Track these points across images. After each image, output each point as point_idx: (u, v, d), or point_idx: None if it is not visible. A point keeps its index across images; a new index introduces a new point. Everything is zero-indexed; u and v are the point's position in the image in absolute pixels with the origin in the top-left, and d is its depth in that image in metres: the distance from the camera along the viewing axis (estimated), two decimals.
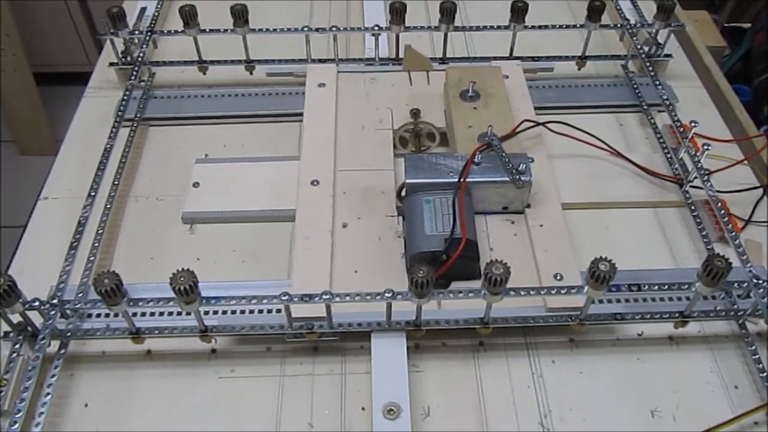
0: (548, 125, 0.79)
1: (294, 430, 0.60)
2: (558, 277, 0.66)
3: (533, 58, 0.91)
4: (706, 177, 0.74)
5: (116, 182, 0.77)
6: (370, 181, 0.76)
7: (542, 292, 0.61)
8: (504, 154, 0.72)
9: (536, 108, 0.83)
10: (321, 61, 0.90)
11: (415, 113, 0.82)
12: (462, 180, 0.69)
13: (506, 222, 0.73)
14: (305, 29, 0.87)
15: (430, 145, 0.82)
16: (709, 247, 0.72)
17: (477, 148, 0.72)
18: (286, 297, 0.59)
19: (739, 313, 0.65)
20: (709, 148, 0.74)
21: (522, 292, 0.60)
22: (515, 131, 0.77)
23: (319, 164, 0.77)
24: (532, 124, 0.77)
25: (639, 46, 0.91)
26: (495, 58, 0.91)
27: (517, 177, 0.70)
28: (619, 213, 0.77)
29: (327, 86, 0.86)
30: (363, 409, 0.61)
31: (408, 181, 0.70)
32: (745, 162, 0.81)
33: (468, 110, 0.79)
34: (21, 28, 1.84)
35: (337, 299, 0.60)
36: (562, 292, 0.61)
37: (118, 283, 0.56)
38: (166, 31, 0.92)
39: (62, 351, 0.62)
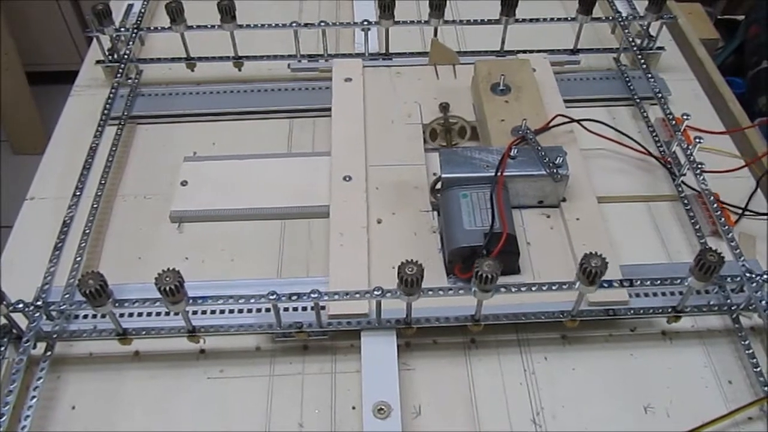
0: (582, 123, 0.78)
1: (284, 430, 0.59)
2: None
3: (524, 52, 0.90)
4: (698, 170, 0.73)
5: (103, 181, 0.76)
6: (402, 176, 0.75)
7: (533, 289, 0.60)
8: (540, 148, 0.71)
9: None
10: (310, 56, 0.89)
11: (444, 107, 0.81)
12: (500, 174, 0.69)
13: (542, 216, 0.72)
14: (294, 25, 0.86)
15: (460, 140, 0.82)
16: (702, 241, 0.71)
17: (512, 142, 0.72)
18: (274, 296, 0.58)
19: (732, 308, 0.65)
20: (702, 141, 0.74)
21: (513, 289, 0.60)
22: (548, 125, 0.76)
23: (351, 159, 0.76)
24: (567, 119, 0.77)
25: (631, 39, 0.90)
26: (486, 53, 0.90)
27: (555, 170, 0.69)
28: (611, 207, 0.76)
29: (354, 81, 0.85)
30: (353, 408, 0.60)
31: (444, 175, 0.69)
32: (739, 156, 0.81)
33: (500, 104, 0.78)
34: (13, 27, 1.83)
35: (326, 298, 0.59)
36: (554, 288, 0.60)
37: (102, 283, 0.55)
38: (152, 28, 0.92)
39: (48, 353, 0.62)
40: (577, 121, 0.78)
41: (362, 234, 0.69)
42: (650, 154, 0.79)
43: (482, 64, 0.83)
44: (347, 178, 0.74)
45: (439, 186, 0.71)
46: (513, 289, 0.60)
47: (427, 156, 0.77)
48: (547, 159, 0.70)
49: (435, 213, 0.72)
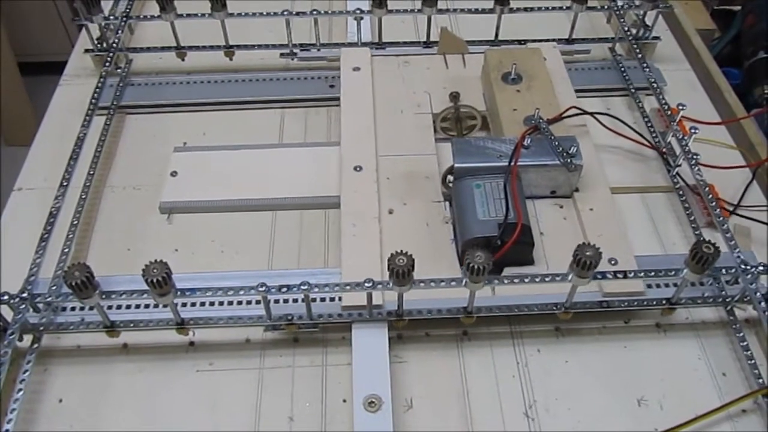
0: (596, 116, 0.77)
1: (274, 424, 0.59)
2: (612, 262, 0.64)
3: (519, 42, 0.89)
4: (693, 161, 0.73)
5: (92, 172, 0.75)
6: (412, 167, 0.74)
7: (526, 280, 0.59)
8: (553, 137, 0.70)
9: None
10: (302, 46, 0.88)
11: (455, 96, 0.80)
12: (513, 164, 0.68)
13: (555, 206, 0.71)
14: (285, 13, 0.85)
15: (472, 127, 0.81)
16: (697, 232, 0.71)
17: (525, 131, 0.71)
18: (264, 288, 0.57)
19: (727, 300, 0.64)
20: (697, 131, 0.73)
21: (506, 281, 0.59)
22: (562, 116, 0.75)
23: (361, 150, 0.75)
24: (580, 111, 0.76)
25: (626, 29, 0.89)
26: (480, 42, 0.89)
27: (569, 160, 0.68)
28: None
29: (362, 70, 0.84)
30: (344, 401, 0.60)
31: (457, 165, 0.69)
32: (735, 147, 0.80)
33: (511, 93, 0.78)
34: (5, 17, 1.81)
35: (316, 290, 0.58)
36: (546, 280, 0.59)
37: (88, 275, 0.55)
38: (142, 16, 0.90)
39: (35, 345, 0.61)
40: (591, 114, 0.77)
41: (374, 224, 0.68)
42: (654, 147, 0.79)
43: (493, 53, 0.82)
44: (358, 168, 0.73)
45: (451, 176, 0.70)
46: (506, 281, 0.59)
47: (437, 146, 0.76)
48: (560, 148, 0.69)
49: (447, 203, 0.71)
